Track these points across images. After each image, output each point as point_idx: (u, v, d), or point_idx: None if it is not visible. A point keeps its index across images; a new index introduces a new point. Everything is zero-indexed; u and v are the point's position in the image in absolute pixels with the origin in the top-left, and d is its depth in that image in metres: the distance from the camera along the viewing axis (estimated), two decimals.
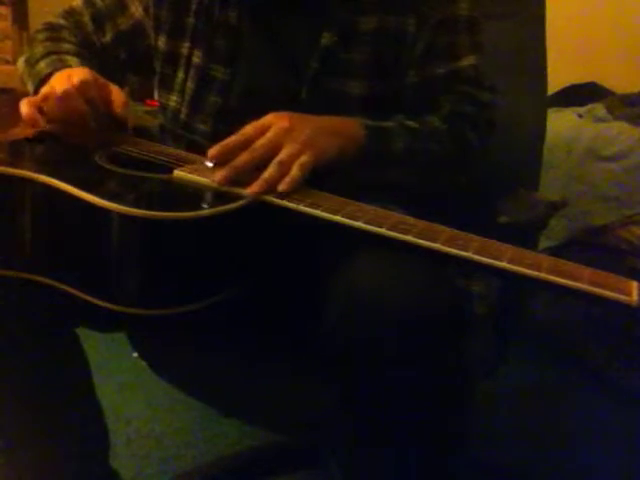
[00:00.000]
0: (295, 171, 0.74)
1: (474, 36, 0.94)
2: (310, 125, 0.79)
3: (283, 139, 0.77)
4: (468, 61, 0.94)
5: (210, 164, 0.77)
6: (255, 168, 0.75)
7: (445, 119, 0.92)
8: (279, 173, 0.74)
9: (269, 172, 0.74)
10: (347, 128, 0.84)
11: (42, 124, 0.87)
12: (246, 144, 0.77)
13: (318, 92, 0.90)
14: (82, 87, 0.87)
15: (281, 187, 0.73)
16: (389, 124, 0.87)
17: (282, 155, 0.75)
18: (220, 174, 0.75)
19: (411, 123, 0.89)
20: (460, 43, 0.93)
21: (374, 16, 0.89)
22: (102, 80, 0.91)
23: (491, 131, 0.97)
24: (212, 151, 0.77)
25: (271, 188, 0.73)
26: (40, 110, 0.87)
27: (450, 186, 0.96)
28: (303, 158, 0.76)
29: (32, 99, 0.89)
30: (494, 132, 0.98)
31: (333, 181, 0.78)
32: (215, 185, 0.75)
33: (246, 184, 0.74)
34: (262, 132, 0.77)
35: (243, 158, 0.76)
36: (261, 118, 0.79)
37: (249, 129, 0.78)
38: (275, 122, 0.78)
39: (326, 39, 0.89)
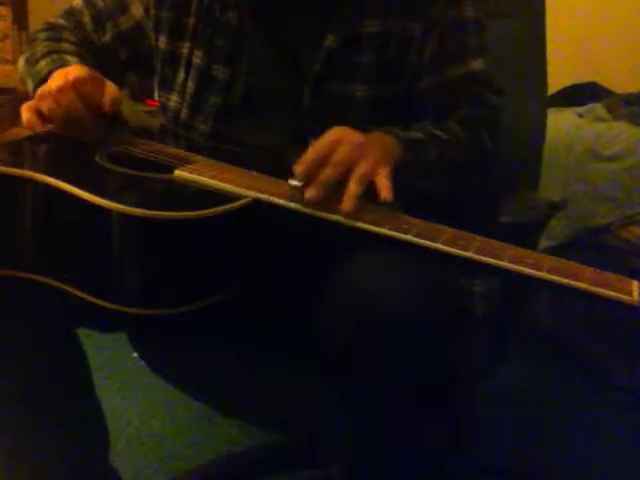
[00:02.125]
0: (384, 181, 0.73)
1: (481, 38, 0.94)
2: (372, 140, 0.78)
3: (358, 154, 0.75)
4: (478, 64, 0.94)
5: (298, 183, 0.74)
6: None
7: (463, 124, 0.92)
8: (364, 188, 0.73)
9: (355, 188, 0.72)
10: (388, 142, 0.82)
11: (41, 129, 0.87)
12: (324, 160, 0.74)
13: (320, 94, 0.90)
14: (76, 83, 0.86)
15: (383, 195, 0.72)
16: (419, 135, 0.87)
17: (360, 170, 0.73)
18: (312, 193, 0.72)
19: (439, 132, 0.89)
20: (469, 46, 0.93)
21: (378, 19, 0.89)
22: (98, 77, 0.90)
23: (498, 132, 0.97)
24: (300, 169, 0.74)
25: (357, 201, 0.72)
26: (40, 113, 0.87)
27: (467, 190, 0.96)
28: (383, 170, 0.74)
29: (31, 103, 0.88)
30: (499, 133, 0.98)
31: None
32: (300, 207, 0.73)
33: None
34: (335, 147, 0.75)
35: (327, 175, 0.73)
36: (327, 133, 0.77)
37: (323, 146, 0.75)
38: (345, 137, 0.76)
39: (329, 41, 0.89)
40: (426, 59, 0.91)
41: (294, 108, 0.83)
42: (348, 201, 0.71)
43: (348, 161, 0.74)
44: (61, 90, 0.86)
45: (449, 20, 0.91)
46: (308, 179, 0.73)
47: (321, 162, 0.74)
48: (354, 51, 0.90)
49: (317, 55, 0.89)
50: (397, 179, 0.81)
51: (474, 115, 0.93)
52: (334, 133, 0.77)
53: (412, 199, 0.83)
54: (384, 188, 0.73)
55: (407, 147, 0.84)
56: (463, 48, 0.93)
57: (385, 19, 0.89)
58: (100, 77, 0.91)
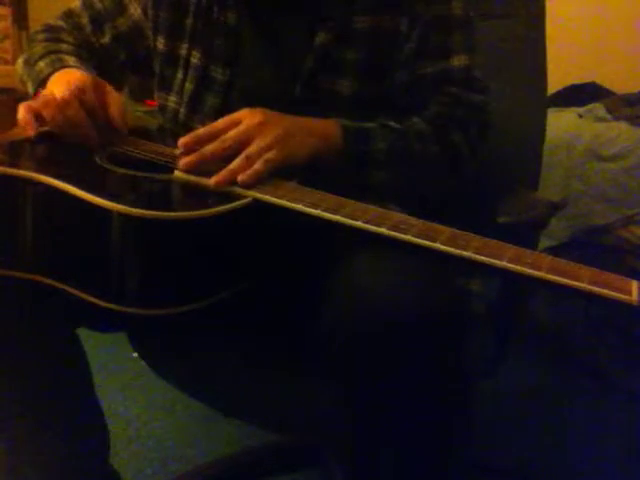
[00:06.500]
0: (259, 165, 0.76)
1: (467, 36, 0.94)
2: (283, 123, 0.81)
3: (254, 133, 0.78)
4: (459, 61, 0.93)
5: (179, 152, 0.79)
6: (222, 160, 0.77)
7: (430, 120, 0.91)
8: (245, 165, 0.76)
9: (235, 164, 0.76)
10: (323, 129, 0.84)
11: (35, 129, 0.87)
12: (217, 135, 0.79)
13: (312, 91, 0.90)
14: (80, 94, 0.87)
15: (240, 178, 0.75)
16: (369, 125, 0.88)
17: (250, 149, 0.77)
18: (185, 159, 0.77)
19: (392, 123, 0.89)
20: (452, 42, 0.93)
21: (369, 15, 0.89)
22: (100, 82, 0.91)
23: (485, 133, 0.96)
24: (183, 139, 0.79)
25: (234, 179, 0.75)
26: (38, 115, 0.87)
27: (439, 189, 0.95)
28: (270, 154, 0.77)
29: (31, 104, 0.88)
30: (489, 134, 0.97)
31: (333, 182, 0.78)
32: (180, 173, 0.77)
33: (211, 175, 0.76)
34: (234, 125, 0.79)
35: (211, 147, 0.78)
36: (235, 112, 0.81)
37: (221, 121, 0.80)
38: (248, 116, 0.80)
39: (321, 38, 0.89)
40: (408, 53, 0.91)
41: (291, 107, 0.83)
42: (221, 173, 0.75)
43: (239, 139, 0.78)
44: (66, 101, 0.85)
45: (434, 16, 0.91)
46: (192, 150, 0.78)
47: (213, 137, 0.78)
48: (345, 47, 0.90)
49: (310, 52, 0.89)
50: (341, 168, 0.84)
51: (445, 113, 0.92)
52: (239, 113, 0.81)
53: (407, 198, 0.84)
54: (249, 170, 0.75)
55: (352, 135, 0.85)
56: (444, 45, 0.92)
57: (375, 15, 0.89)
58: (102, 82, 0.91)
